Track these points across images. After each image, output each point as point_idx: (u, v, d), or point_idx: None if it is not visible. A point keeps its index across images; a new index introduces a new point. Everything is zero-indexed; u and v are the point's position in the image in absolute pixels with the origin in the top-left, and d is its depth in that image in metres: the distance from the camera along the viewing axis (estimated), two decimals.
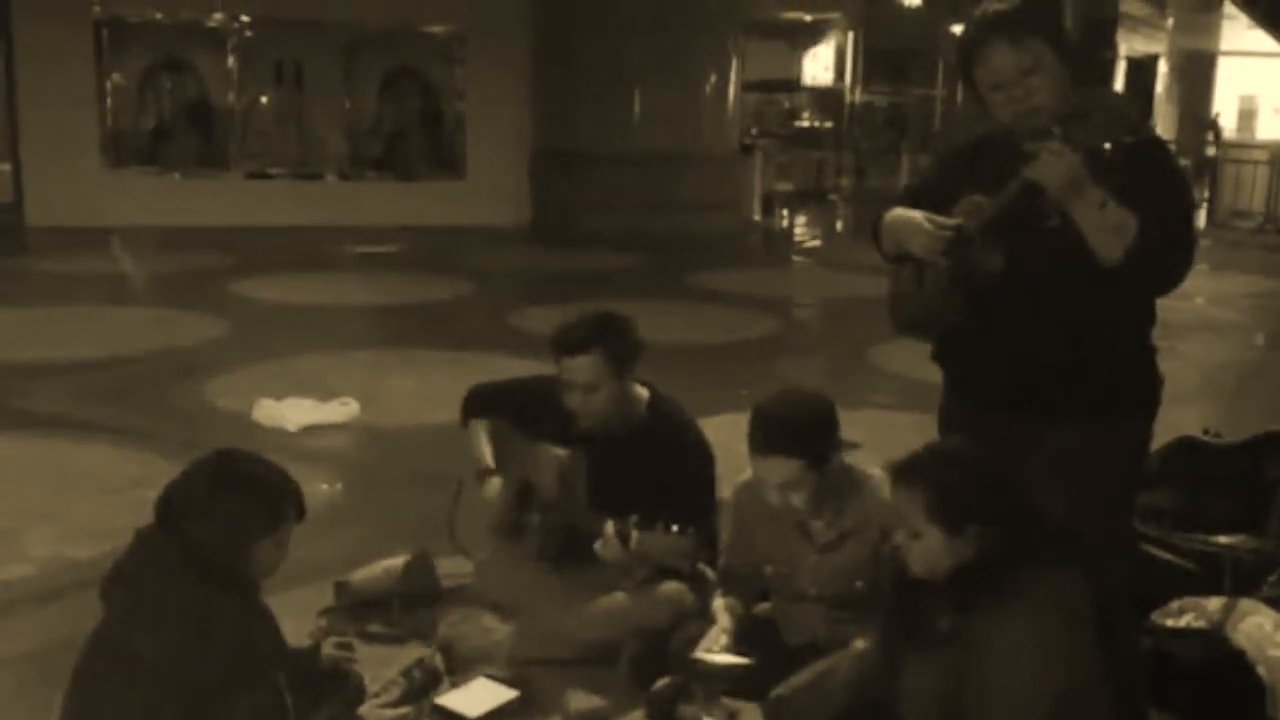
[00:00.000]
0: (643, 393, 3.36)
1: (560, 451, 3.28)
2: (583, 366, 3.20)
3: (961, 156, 2.73)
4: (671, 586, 3.18)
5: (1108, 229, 2.31)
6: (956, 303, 2.51)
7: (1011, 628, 2.18)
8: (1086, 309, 2.44)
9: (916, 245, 2.51)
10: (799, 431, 2.78)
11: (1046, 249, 2.39)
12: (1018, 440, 2.46)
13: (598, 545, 2.99)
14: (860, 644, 2.66)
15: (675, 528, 2.89)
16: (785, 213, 15.80)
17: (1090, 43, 15.58)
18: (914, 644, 2.37)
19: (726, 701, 2.83)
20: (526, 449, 3.38)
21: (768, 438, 2.78)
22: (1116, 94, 2.99)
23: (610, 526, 2.94)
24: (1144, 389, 2.59)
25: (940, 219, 2.48)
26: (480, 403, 3.53)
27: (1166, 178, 2.45)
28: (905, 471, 2.34)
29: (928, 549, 2.29)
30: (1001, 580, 2.22)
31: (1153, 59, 24.22)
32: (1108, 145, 2.30)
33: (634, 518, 2.91)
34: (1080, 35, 14.31)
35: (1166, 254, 2.36)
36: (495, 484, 3.37)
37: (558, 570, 3.32)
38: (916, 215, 2.52)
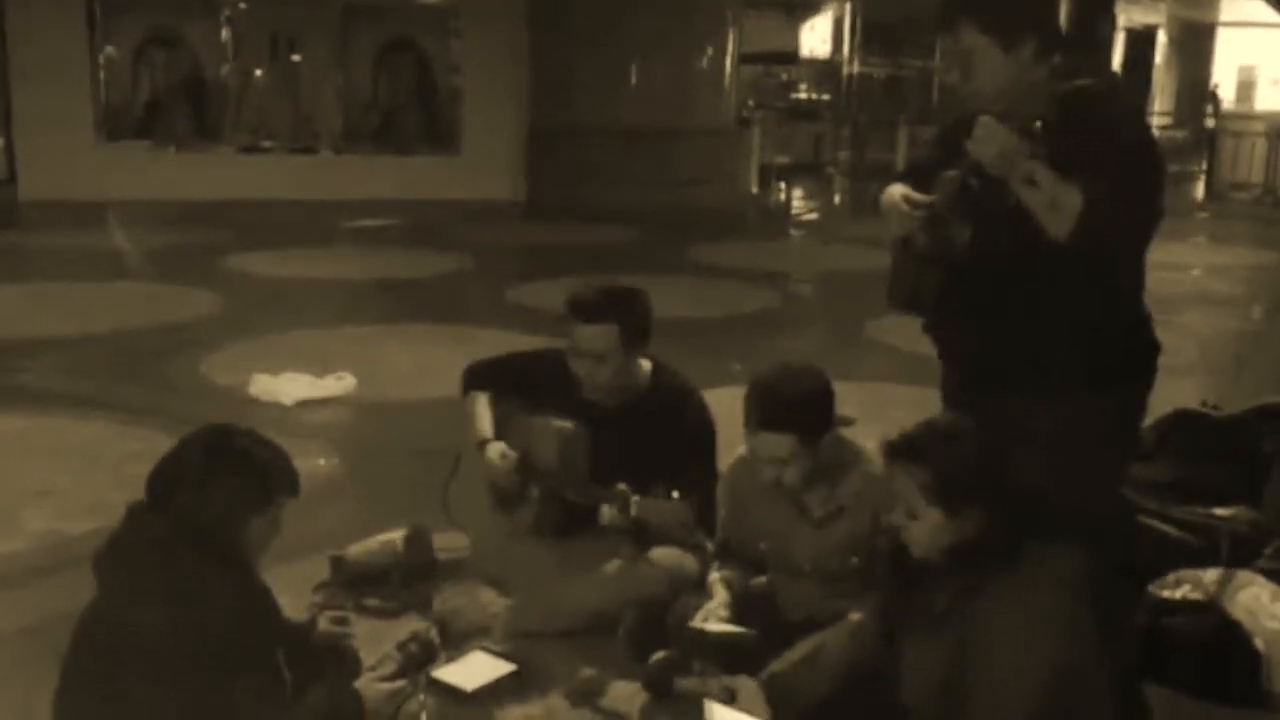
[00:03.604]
0: (645, 365, 3.36)
1: (562, 423, 3.28)
2: (597, 335, 3.20)
3: (956, 133, 2.72)
4: (669, 554, 3.18)
5: (1046, 206, 2.31)
6: (935, 279, 2.52)
7: (1010, 603, 2.18)
8: (1055, 283, 2.44)
9: (893, 223, 2.54)
10: (794, 408, 2.78)
11: (1010, 225, 2.39)
12: (1007, 413, 2.45)
13: (603, 514, 2.99)
14: (855, 617, 2.65)
15: (675, 494, 2.89)
16: (783, 186, 15.76)
17: (1086, 14, 15.49)
18: (913, 621, 2.37)
19: (724, 678, 2.83)
20: (527, 422, 3.37)
21: (763, 414, 2.78)
22: (1047, 68, 2.96)
23: (610, 501, 2.94)
24: (1134, 359, 2.58)
25: (915, 196, 2.50)
26: (480, 376, 3.53)
27: (1118, 151, 2.39)
28: (903, 452, 2.32)
29: (927, 530, 2.28)
30: (1001, 557, 2.22)
31: (1152, 30, 24.10)
32: (1038, 124, 2.30)
33: (622, 485, 2.92)
34: (1075, 7, 14.24)
35: (1114, 230, 2.34)
36: (496, 448, 3.34)
37: (556, 543, 3.32)
38: (896, 194, 2.54)
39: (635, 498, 2.92)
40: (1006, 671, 2.15)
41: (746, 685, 2.76)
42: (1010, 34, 2.43)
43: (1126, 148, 2.43)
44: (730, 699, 2.74)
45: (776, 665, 2.66)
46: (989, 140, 2.30)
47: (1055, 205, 2.31)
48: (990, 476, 2.26)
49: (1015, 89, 2.42)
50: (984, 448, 2.31)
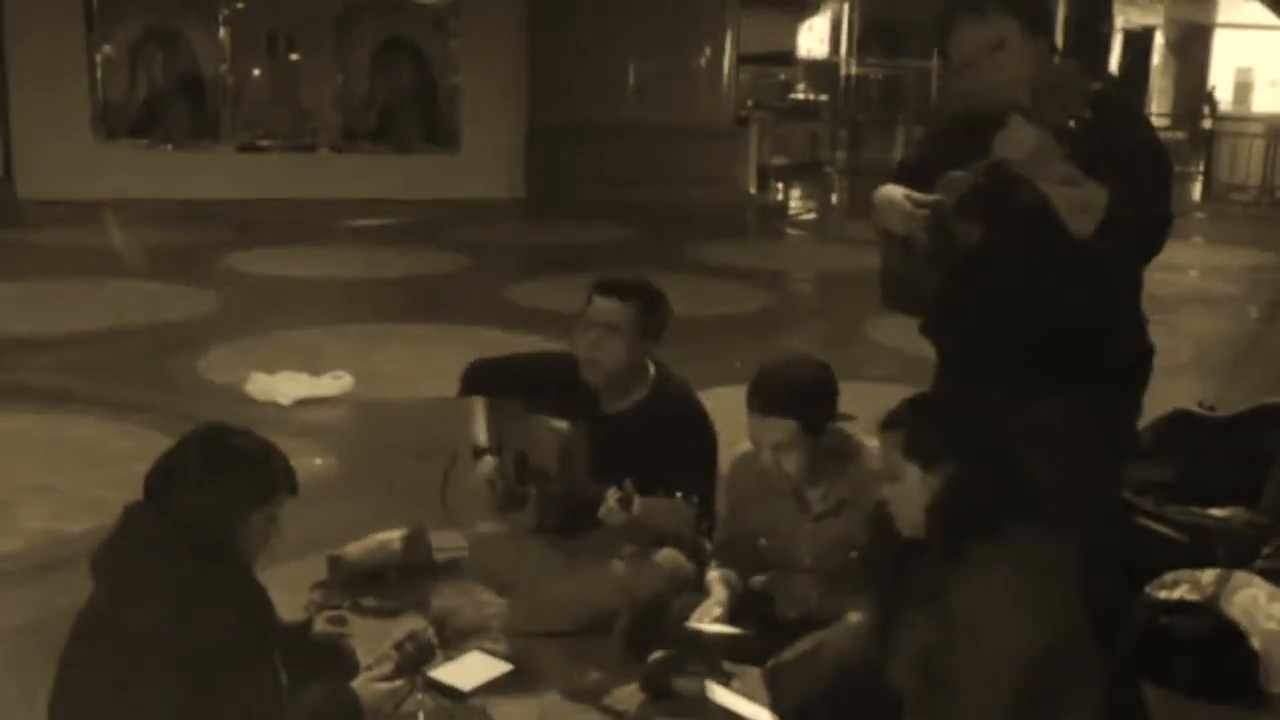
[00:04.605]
0: (650, 369, 3.37)
1: (561, 424, 3.28)
2: (611, 308, 3.26)
3: (954, 131, 2.72)
4: (667, 554, 3.18)
5: (1074, 205, 2.31)
6: (937, 278, 2.52)
7: (992, 584, 2.19)
8: (1065, 283, 2.43)
9: (896, 222, 2.52)
10: (799, 393, 2.80)
11: (1023, 223, 2.39)
12: (1006, 413, 2.45)
13: (601, 510, 2.99)
14: (855, 616, 2.66)
15: (679, 494, 2.89)
16: (780, 186, 15.76)
17: (1085, 15, 15.51)
18: (904, 604, 2.38)
19: (726, 666, 2.83)
20: (527, 422, 3.37)
21: (767, 398, 2.79)
22: (1078, 65, 2.95)
23: (612, 492, 2.94)
24: (1132, 360, 2.58)
25: (918, 196, 2.49)
26: (480, 378, 3.52)
27: (1135, 149, 2.40)
28: (885, 424, 2.39)
29: (907, 490, 2.31)
30: (982, 529, 2.23)
31: (1149, 31, 24.14)
32: (1071, 122, 2.29)
33: (628, 482, 2.92)
34: (1074, 7, 14.24)
35: (1135, 230, 2.34)
36: (488, 462, 3.37)
37: (554, 543, 3.32)
38: (897, 193, 2.53)
39: (637, 498, 2.92)
40: (986, 653, 2.16)
41: (749, 674, 2.76)
42: (1038, 20, 2.43)
43: (1144, 149, 2.44)
44: (726, 682, 2.75)
45: (779, 656, 2.67)
46: (1022, 140, 2.28)
47: (1082, 203, 2.30)
48: (958, 427, 2.34)
49: (1033, 83, 2.41)
50: (953, 404, 2.44)
